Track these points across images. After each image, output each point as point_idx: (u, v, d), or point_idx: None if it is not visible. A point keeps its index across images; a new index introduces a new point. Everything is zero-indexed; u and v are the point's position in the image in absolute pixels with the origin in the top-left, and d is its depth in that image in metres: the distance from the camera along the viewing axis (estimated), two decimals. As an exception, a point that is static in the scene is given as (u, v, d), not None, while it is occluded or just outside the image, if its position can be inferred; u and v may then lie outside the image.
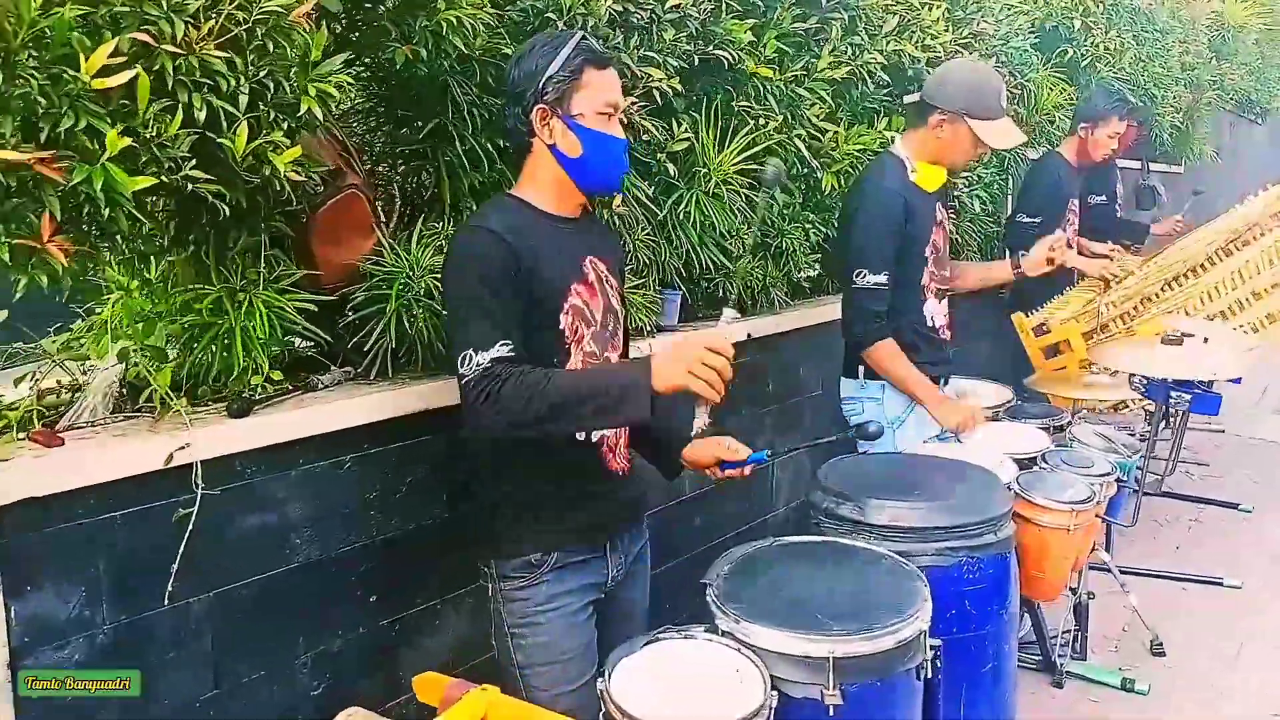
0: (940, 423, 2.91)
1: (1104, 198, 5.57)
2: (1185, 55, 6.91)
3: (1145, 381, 2.80)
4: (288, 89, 1.73)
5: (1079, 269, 4.62)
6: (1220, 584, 4.11)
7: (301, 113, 1.76)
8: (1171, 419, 3.13)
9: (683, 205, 2.80)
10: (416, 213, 2.35)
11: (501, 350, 1.74)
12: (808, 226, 3.41)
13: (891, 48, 3.41)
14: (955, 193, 4.34)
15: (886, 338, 2.93)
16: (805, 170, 3.34)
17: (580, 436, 1.95)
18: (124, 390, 1.94)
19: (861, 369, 3.08)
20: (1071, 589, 3.26)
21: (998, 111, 2.91)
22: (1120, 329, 3.85)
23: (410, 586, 2.26)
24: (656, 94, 2.58)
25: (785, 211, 3.38)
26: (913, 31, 3.55)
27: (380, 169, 2.43)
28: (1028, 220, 4.57)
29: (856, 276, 2.91)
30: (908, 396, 3.02)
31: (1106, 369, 2.65)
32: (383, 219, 2.27)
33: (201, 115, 1.62)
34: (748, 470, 2.14)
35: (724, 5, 2.73)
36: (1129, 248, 5.10)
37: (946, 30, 3.74)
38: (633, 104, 2.54)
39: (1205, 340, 2.86)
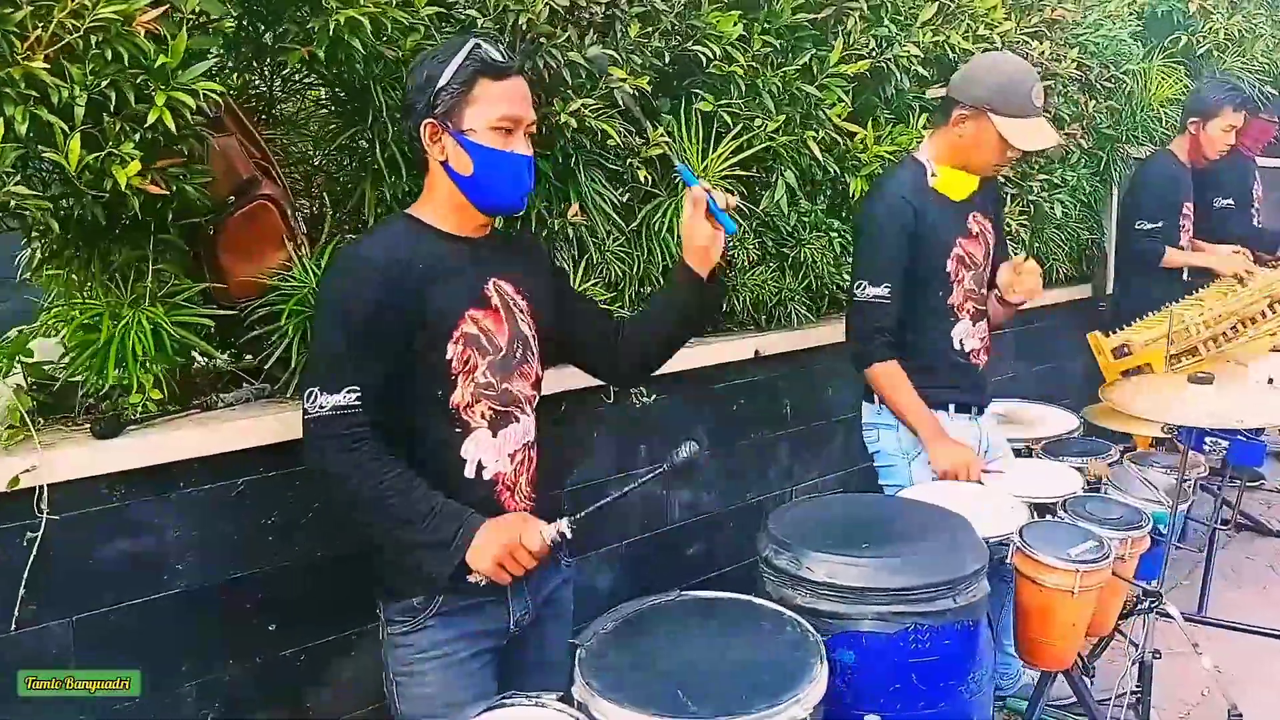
0: (932, 463, 2.59)
1: (1230, 201, 4.98)
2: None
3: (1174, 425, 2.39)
4: (131, 99, 1.64)
5: (1198, 267, 4.15)
6: (1328, 646, 3.56)
7: (152, 123, 1.67)
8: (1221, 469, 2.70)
9: (661, 214, 2.58)
10: (339, 224, 2.24)
11: (347, 398, 1.65)
12: (833, 235, 3.12)
13: (930, 39, 3.07)
14: (1031, 197, 3.92)
15: (889, 359, 2.63)
16: (825, 175, 3.05)
17: (470, 474, 1.79)
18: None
19: (878, 395, 2.79)
20: (1134, 643, 2.86)
21: (1029, 109, 2.55)
22: (1211, 353, 3.37)
23: (319, 616, 2.16)
24: (619, 96, 2.37)
25: (806, 219, 3.11)
26: (960, 20, 3.20)
27: (302, 178, 2.33)
28: (1150, 227, 4.14)
29: (856, 289, 2.63)
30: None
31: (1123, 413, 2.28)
32: (300, 230, 2.17)
33: (23, 129, 1.55)
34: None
35: (706, -5, 2.50)
36: (1264, 261, 4.54)
37: (1008, 18, 3.36)
38: (593, 107, 2.34)
39: (1270, 381, 2.43)
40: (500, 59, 1.70)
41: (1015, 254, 3.89)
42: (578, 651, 1.69)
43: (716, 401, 3.02)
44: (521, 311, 1.87)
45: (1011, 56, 2.64)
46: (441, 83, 1.69)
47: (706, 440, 3.01)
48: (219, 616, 2.01)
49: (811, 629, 1.75)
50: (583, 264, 2.52)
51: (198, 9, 1.75)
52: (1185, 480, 2.71)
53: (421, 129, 1.73)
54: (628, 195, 2.60)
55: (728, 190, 2.37)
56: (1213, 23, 4.54)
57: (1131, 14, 4.16)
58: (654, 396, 2.72)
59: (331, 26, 1.88)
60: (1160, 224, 4.16)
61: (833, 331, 3.30)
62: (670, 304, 2.02)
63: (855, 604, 1.91)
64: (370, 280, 1.68)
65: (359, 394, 1.65)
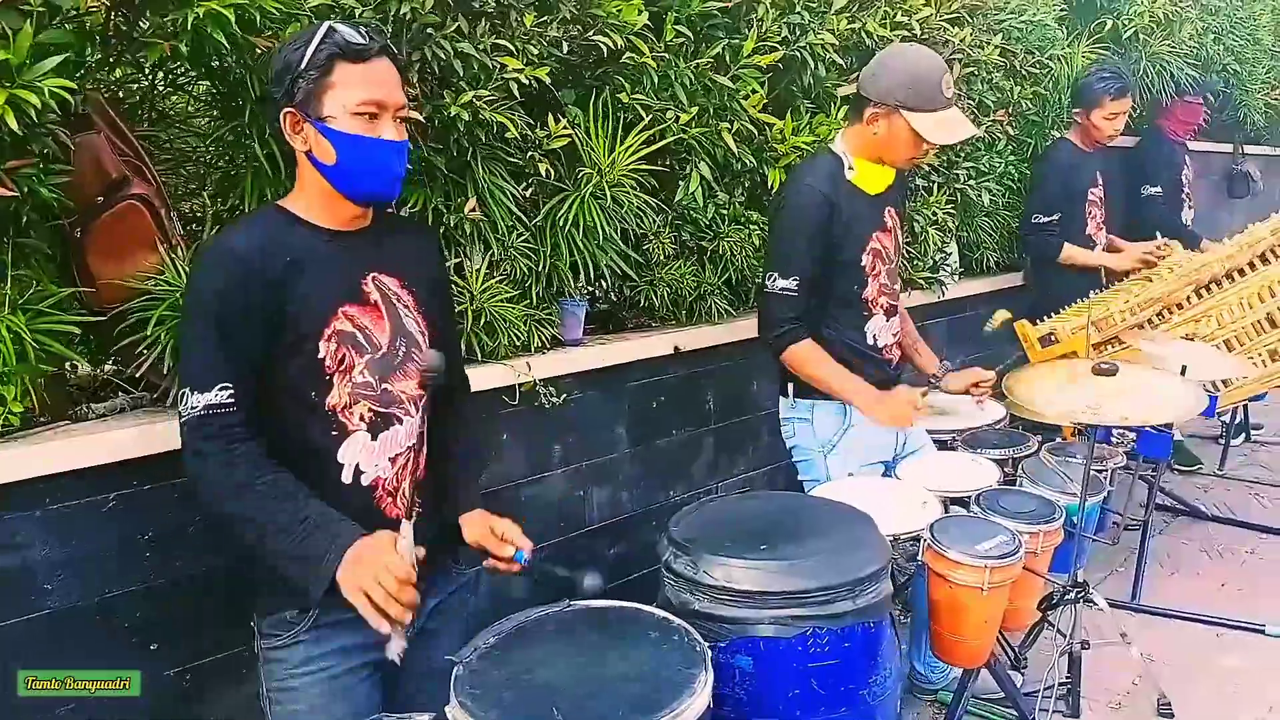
0: (878, 423, 2.57)
1: (1158, 189, 4.99)
2: (1285, 26, 6.17)
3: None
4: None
5: (1106, 267, 4.14)
6: (1261, 632, 3.57)
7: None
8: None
9: (565, 208, 2.51)
10: (222, 224, 2.15)
11: (219, 395, 1.58)
12: (752, 228, 3.06)
13: (846, 26, 3.02)
14: (958, 185, 3.89)
15: (802, 339, 2.59)
16: (742, 166, 2.99)
17: (347, 479, 1.72)
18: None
19: (791, 386, 2.75)
20: (1062, 633, 2.85)
21: (941, 101, 2.51)
22: (1134, 342, 3.36)
23: (202, 634, 2.06)
24: (515, 86, 2.29)
25: (724, 212, 3.05)
26: (876, 6, 3.15)
27: (188, 177, 2.23)
28: (1045, 220, 4.11)
29: (767, 280, 2.58)
30: (839, 415, 2.67)
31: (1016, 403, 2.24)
32: (176, 231, 2.07)
33: None
34: (514, 568, 1.84)
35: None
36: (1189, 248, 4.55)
37: (927, 4, 3.32)
38: (488, 99, 2.26)
39: (1183, 370, 2.40)
40: (358, 41, 1.61)
41: (944, 246, 3.89)
42: (454, 668, 1.62)
43: (635, 399, 2.96)
44: (406, 307, 1.80)
45: (918, 49, 2.60)
46: (298, 70, 1.61)
47: (625, 437, 2.96)
48: (93, 637, 1.91)
49: (699, 638, 1.69)
50: (485, 261, 2.44)
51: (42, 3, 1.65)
52: (1101, 471, 2.70)
53: (282, 119, 1.65)
54: (531, 189, 2.52)
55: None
56: (1139, 6, 4.54)
57: (1056, 3, 4.13)
58: (563, 397, 2.64)
59: (190, 20, 1.79)
60: (1056, 215, 4.12)
61: (755, 325, 3.24)
62: (447, 480, 1.94)
63: (752, 608, 1.87)
64: (231, 272, 1.61)
65: (232, 391, 1.59)
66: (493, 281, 2.44)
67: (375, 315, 1.74)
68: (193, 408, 1.58)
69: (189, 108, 2.30)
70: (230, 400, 1.58)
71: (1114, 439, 2.60)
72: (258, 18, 1.90)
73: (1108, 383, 2.13)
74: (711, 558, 1.92)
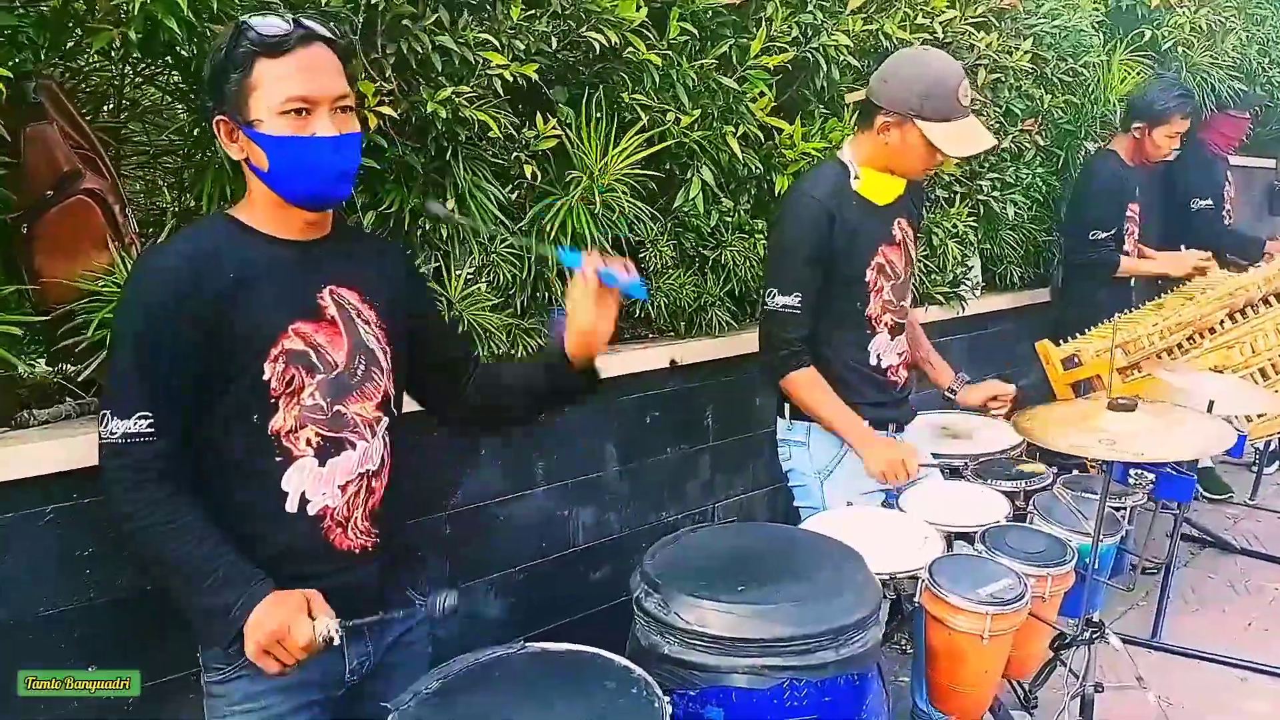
0: (868, 470, 2.41)
1: (1209, 202, 4.79)
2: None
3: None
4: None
5: (1155, 275, 3.97)
6: (1289, 677, 3.37)
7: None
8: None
9: (554, 214, 2.37)
10: (181, 223, 2.03)
11: (137, 424, 1.47)
12: (757, 236, 2.91)
13: (862, 27, 2.85)
14: (980, 196, 3.71)
15: (804, 366, 2.44)
16: (748, 172, 2.84)
17: (292, 508, 1.59)
18: None
19: (788, 407, 2.60)
20: (1074, 674, 2.68)
21: (958, 111, 2.35)
22: (1156, 372, 3.16)
23: (146, 656, 1.94)
24: (499, 83, 2.16)
25: (729, 219, 2.90)
26: (896, 7, 2.98)
27: (149, 172, 2.12)
28: (1104, 236, 3.94)
29: (767, 297, 2.44)
30: (837, 438, 2.52)
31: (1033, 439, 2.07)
32: (131, 229, 1.96)
33: None
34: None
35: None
36: (1235, 265, 4.35)
37: (951, 6, 3.15)
38: (469, 96, 2.13)
39: (1210, 406, 2.22)
40: (274, 32, 1.47)
41: (965, 259, 3.72)
42: (389, 716, 1.50)
43: (626, 414, 2.82)
44: (367, 323, 1.66)
45: (933, 53, 2.44)
46: (220, 73, 1.49)
47: (615, 454, 2.82)
48: (28, 656, 1.80)
49: (659, 692, 1.55)
50: (465, 266, 2.31)
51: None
52: (1119, 509, 2.53)
53: (216, 128, 1.53)
54: (517, 192, 2.39)
55: (614, 252, 2.18)
56: (1179, 16, 4.33)
57: (1093, 9, 3.93)
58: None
59: (137, 5, 1.67)
60: (1114, 230, 3.96)
61: (757, 339, 3.10)
62: (526, 377, 1.89)
63: (725, 655, 1.73)
64: (160, 292, 1.49)
65: (151, 420, 1.47)
66: (475, 288, 2.31)
67: (332, 331, 1.61)
68: (111, 434, 1.47)
69: (158, 100, 2.19)
70: (149, 430, 1.46)
71: (1131, 479, 2.43)
72: (215, 4, 1.78)
73: (1125, 418, 1.96)
74: (684, 598, 1.78)
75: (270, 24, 1.48)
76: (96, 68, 2.15)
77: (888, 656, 3.32)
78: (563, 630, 2.69)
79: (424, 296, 1.91)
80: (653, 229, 2.68)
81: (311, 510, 1.59)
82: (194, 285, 1.48)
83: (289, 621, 1.45)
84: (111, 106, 2.17)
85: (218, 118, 1.51)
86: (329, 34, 1.54)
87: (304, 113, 1.49)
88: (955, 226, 3.54)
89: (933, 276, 3.59)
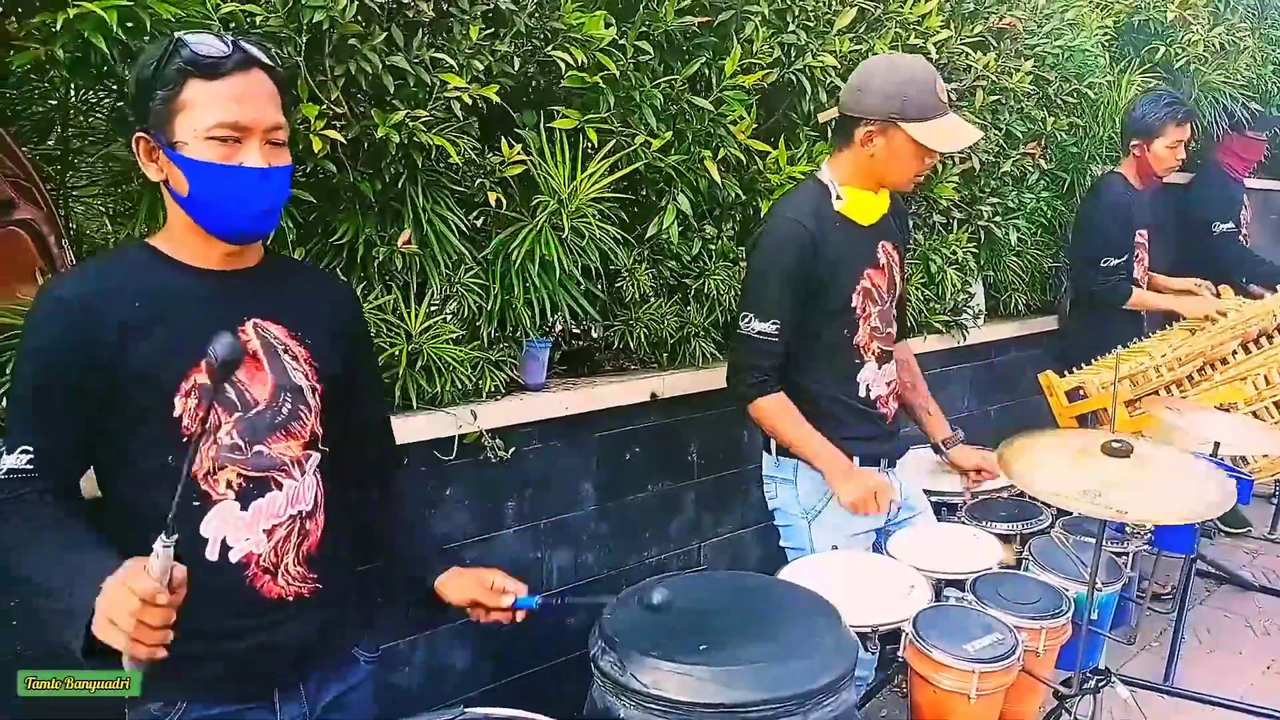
0: (841, 502, 2.28)
1: (1231, 225, 4.66)
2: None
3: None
4: None
5: (1165, 311, 3.82)
6: (1305, 724, 3.19)
7: None
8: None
9: (519, 242, 2.26)
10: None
11: (19, 459, 1.39)
12: (741, 265, 2.79)
13: (849, 48, 2.74)
14: (981, 222, 3.58)
15: (772, 392, 2.33)
16: (731, 198, 2.72)
17: (213, 555, 1.47)
18: None
19: (774, 443, 2.47)
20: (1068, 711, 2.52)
21: (938, 107, 2.24)
22: (1156, 412, 3.00)
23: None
24: (458, 106, 2.06)
25: (711, 247, 2.78)
26: (886, 27, 2.87)
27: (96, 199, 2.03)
28: (1116, 263, 3.79)
29: (743, 322, 2.32)
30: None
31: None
32: (68, 260, 1.86)
33: None
34: (518, 616, 1.74)
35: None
36: (1251, 293, 4.19)
37: (946, 26, 3.03)
38: (426, 120, 2.03)
39: (1216, 448, 2.08)
40: (210, 53, 1.37)
41: (967, 287, 3.59)
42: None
43: (605, 450, 2.69)
44: (294, 359, 1.55)
45: (901, 56, 2.37)
46: (147, 88, 1.39)
47: (593, 493, 2.69)
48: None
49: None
50: (427, 298, 2.20)
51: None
52: (1120, 555, 2.38)
53: (134, 144, 1.43)
54: (481, 219, 2.28)
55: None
56: (1193, 34, 4.19)
57: (1100, 29, 3.80)
58: (513, 450, 2.39)
59: (60, 22, 1.58)
60: (1126, 256, 3.82)
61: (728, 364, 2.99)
62: (396, 567, 1.85)
63: (683, 720, 1.59)
64: (54, 327, 1.40)
65: (32, 457, 1.39)
66: (436, 320, 2.20)
67: (253, 367, 1.50)
68: None
69: (101, 128, 2.10)
70: (29, 467, 1.38)
71: (1129, 528, 2.28)
72: (148, 22, 1.68)
73: (1116, 464, 1.81)
74: (641, 658, 1.65)
75: (207, 44, 1.39)
76: (38, 95, 2.06)
77: (889, 702, 3.18)
78: (533, 680, 2.56)
79: (368, 354, 1.80)
80: (628, 257, 2.56)
81: (234, 557, 1.48)
82: (89, 322, 1.39)
83: (130, 581, 1.22)
84: (59, 132, 2.08)
85: (138, 134, 1.42)
86: (268, 60, 1.46)
87: (232, 141, 1.40)
88: (954, 253, 3.41)
89: (931, 305, 3.45)
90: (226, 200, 1.42)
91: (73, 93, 2.06)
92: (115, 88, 1.95)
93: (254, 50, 1.43)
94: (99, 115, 2.16)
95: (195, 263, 1.49)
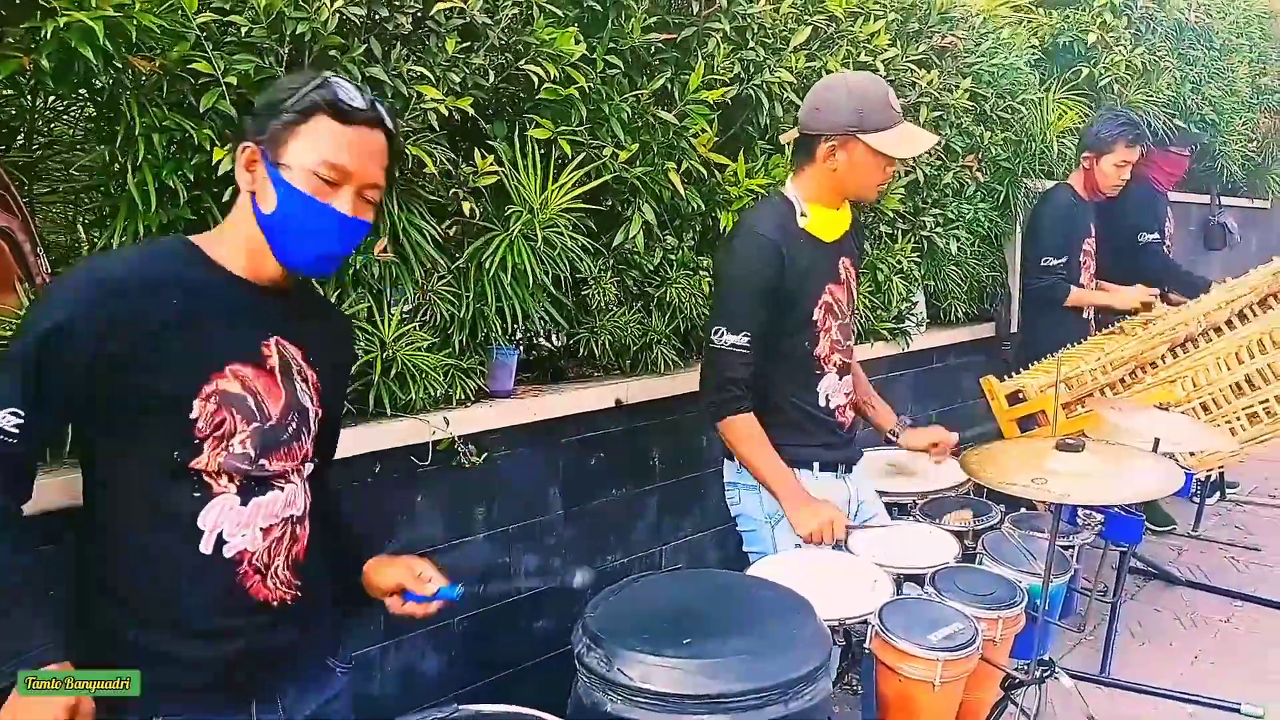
0: (794, 529, 2.35)
1: (1155, 235, 4.88)
2: (1261, 77, 6.10)
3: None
4: None
5: (1101, 306, 4.01)
6: (1236, 711, 3.35)
7: None
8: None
9: (493, 251, 2.30)
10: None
11: (5, 420, 1.37)
12: (702, 274, 2.87)
13: (804, 64, 2.84)
14: (924, 232, 3.72)
15: (744, 411, 2.39)
16: (691, 209, 2.80)
17: (207, 549, 1.47)
18: None
19: (738, 449, 2.54)
20: (1026, 714, 2.63)
21: (893, 117, 2.35)
22: (1099, 410, 3.17)
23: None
24: (434, 117, 2.10)
25: (673, 257, 2.85)
26: (839, 45, 2.98)
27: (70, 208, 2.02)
28: (1055, 263, 4.00)
29: (714, 335, 2.38)
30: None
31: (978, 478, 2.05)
32: (44, 269, 1.85)
33: None
34: (432, 607, 1.74)
35: (536, 8, 2.22)
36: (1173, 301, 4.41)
37: (893, 44, 3.16)
38: (402, 131, 2.06)
39: (1156, 444, 2.21)
40: (351, 102, 1.46)
41: (910, 295, 3.72)
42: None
43: (570, 455, 2.74)
44: (305, 383, 1.59)
45: (852, 73, 2.47)
46: (277, 108, 1.46)
47: (559, 498, 2.73)
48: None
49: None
50: (399, 305, 2.23)
51: None
52: (1068, 548, 2.51)
53: (239, 150, 1.48)
54: (455, 229, 2.31)
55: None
56: (1115, 54, 4.41)
57: (1029, 48, 3.99)
58: (484, 455, 2.42)
59: (49, 31, 1.58)
60: (1064, 259, 4.01)
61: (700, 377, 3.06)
62: (338, 546, 1.80)
63: (670, 713, 1.65)
64: (94, 303, 1.39)
65: (20, 422, 1.37)
66: (410, 328, 2.23)
67: (269, 382, 1.53)
68: None
69: (71, 134, 2.09)
70: (15, 430, 1.37)
71: (1080, 519, 2.41)
72: (133, 33, 1.69)
73: (1071, 458, 1.93)
74: (627, 653, 1.71)
75: (351, 93, 1.48)
76: (4, 100, 2.04)
77: (839, 699, 3.28)
78: (505, 684, 2.59)
79: (343, 387, 1.86)
80: (595, 265, 2.62)
81: (228, 552, 1.49)
82: (132, 310, 1.40)
83: None
84: (23, 140, 2.06)
85: (247, 143, 1.47)
86: (392, 128, 1.54)
87: (331, 184, 1.47)
88: (900, 262, 3.54)
89: (878, 312, 3.58)
90: (304, 233, 1.48)
91: (39, 101, 2.06)
92: (88, 96, 1.95)
93: (385, 114, 1.52)
94: (65, 123, 2.16)
95: (240, 273, 1.52)
